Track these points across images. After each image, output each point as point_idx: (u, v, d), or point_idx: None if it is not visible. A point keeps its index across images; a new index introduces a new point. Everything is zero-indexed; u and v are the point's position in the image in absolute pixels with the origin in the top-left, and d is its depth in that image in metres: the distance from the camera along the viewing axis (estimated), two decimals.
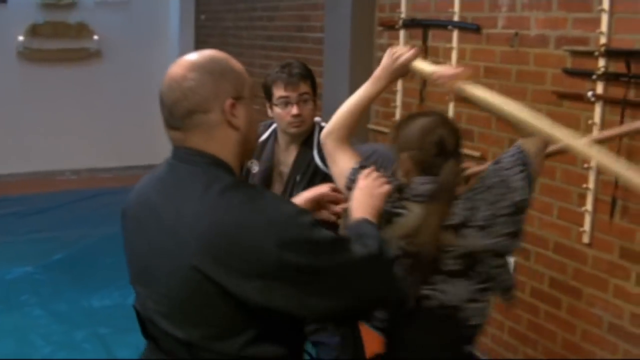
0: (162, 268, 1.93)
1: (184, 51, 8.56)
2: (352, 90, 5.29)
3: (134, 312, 2.12)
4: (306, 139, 3.35)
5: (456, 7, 4.58)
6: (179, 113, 1.98)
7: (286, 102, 3.28)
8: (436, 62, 4.70)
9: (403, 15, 5.08)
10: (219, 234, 1.83)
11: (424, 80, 4.85)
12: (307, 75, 3.33)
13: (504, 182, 2.33)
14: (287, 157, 3.39)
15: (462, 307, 2.34)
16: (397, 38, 5.14)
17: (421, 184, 2.34)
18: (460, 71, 2.43)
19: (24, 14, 8.79)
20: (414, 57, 2.48)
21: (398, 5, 5.13)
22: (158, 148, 9.41)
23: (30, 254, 6.29)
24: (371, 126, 5.45)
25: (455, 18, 4.59)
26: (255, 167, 3.42)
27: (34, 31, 8.87)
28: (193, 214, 1.88)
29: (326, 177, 2.94)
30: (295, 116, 3.27)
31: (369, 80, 2.55)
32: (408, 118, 2.45)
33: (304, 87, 3.30)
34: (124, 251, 2.16)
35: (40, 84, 8.92)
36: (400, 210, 2.36)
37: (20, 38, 8.83)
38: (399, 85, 5.10)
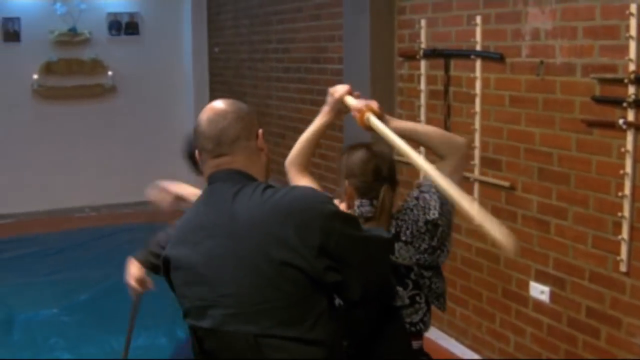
0: (233, 272, 2.18)
1: (198, 84, 8.62)
2: None
3: (193, 333, 2.33)
4: None
5: (478, 37, 4.57)
6: (228, 139, 2.30)
7: None
8: (459, 92, 4.72)
9: (423, 46, 5.07)
10: (278, 220, 2.15)
11: (448, 111, 4.85)
12: None
13: (421, 203, 2.64)
14: None
15: (403, 310, 2.68)
16: (419, 68, 5.14)
17: (362, 206, 2.69)
18: (368, 104, 2.67)
19: (38, 51, 8.85)
20: (345, 93, 2.75)
21: (418, 35, 5.13)
22: (177, 180, 9.50)
23: (54, 295, 6.26)
24: (396, 157, 5.41)
25: (478, 47, 4.58)
26: None
27: (48, 69, 8.93)
28: (252, 216, 2.18)
29: None
30: None
31: (318, 115, 2.86)
32: (349, 150, 2.78)
33: None
34: (176, 288, 2.36)
35: (56, 121, 8.96)
36: None
37: (35, 76, 8.89)
38: (422, 115, 5.08)
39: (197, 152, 2.41)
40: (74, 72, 9.03)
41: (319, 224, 2.17)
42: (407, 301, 2.68)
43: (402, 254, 2.63)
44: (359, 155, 2.70)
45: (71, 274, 6.79)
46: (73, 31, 8.91)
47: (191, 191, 3.58)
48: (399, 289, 2.67)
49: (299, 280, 2.15)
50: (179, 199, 3.69)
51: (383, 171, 2.69)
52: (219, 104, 2.37)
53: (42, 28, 8.81)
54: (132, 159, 9.28)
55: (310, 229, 2.16)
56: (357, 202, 2.70)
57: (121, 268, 6.88)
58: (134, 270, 3.60)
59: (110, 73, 9.16)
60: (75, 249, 7.58)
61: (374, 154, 2.72)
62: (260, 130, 2.39)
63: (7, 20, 8.75)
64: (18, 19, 8.77)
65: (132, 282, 3.56)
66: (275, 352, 2.16)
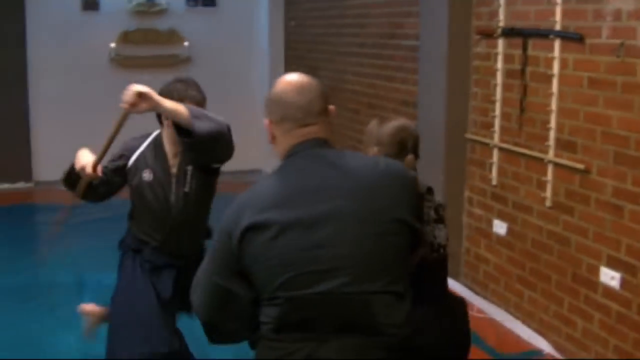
0: (354, 231, 2.25)
1: (274, 57, 8.57)
2: (449, 100, 5.25)
3: (289, 304, 2.26)
4: None
5: (558, 16, 4.49)
6: (316, 110, 2.38)
7: None
8: (537, 72, 4.64)
9: (501, 24, 5.00)
10: (391, 182, 2.34)
11: (525, 91, 4.78)
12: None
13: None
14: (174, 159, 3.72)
15: (446, 246, 2.99)
16: (496, 47, 5.07)
17: None
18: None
19: (116, 21, 9.00)
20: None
21: (496, 13, 5.06)
22: (250, 153, 9.61)
23: None
24: (469, 136, 5.40)
25: (557, 27, 4.49)
26: (149, 175, 3.71)
27: (125, 38, 9.07)
28: (368, 178, 2.32)
29: None
30: None
31: None
32: (381, 121, 3.05)
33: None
34: (270, 258, 2.25)
35: None
36: None
37: (112, 45, 9.04)
38: (498, 94, 5.03)
39: (267, 121, 2.42)
40: (150, 42, 9.15)
41: (413, 186, 2.46)
42: (445, 241, 3.00)
43: (434, 199, 2.99)
44: (389, 127, 2.99)
45: None
46: (151, 1, 9.04)
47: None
48: (443, 227, 3.00)
49: (408, 238, 2.34)
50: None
51: (408, 144, 2.99)
52: (301, 77, 2.43)
53: None
54: None
55: (411, 191, 2.42)
56: None
57: None
58: (85, 156, 3.69)
59: (186, 44, 9.25)
60: None
61: (401, 128, 3.00)
62: (332, 107, 2.46)
63: None
64: None
65: (87, 168, 3.57)
66: (382, 308, 2.25)
